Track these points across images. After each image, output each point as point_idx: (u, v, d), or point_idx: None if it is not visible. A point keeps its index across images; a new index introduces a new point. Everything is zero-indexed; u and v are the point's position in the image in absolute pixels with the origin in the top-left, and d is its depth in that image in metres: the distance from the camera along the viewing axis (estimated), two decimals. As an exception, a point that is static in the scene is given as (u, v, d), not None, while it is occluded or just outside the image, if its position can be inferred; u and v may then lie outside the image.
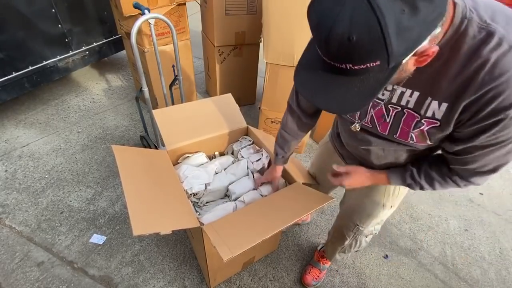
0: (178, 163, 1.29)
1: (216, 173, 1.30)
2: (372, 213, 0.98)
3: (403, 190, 0.93)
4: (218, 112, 1.38)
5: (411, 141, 0.66)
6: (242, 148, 1.36)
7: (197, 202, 1.21)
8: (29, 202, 1.72)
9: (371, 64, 0.42)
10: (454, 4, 0.49)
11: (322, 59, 0.46)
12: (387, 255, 1.63)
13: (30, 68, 2.08)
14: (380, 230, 1.71)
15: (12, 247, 1.51)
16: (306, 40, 0.60)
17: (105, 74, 2.92)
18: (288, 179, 1.22)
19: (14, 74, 2.01)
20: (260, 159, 1.30)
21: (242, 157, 1.34)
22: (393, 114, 0.65)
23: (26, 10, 1.93)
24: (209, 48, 2.28)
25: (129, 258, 1.51)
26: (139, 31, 1.84)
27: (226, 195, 1.29)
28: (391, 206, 0.96)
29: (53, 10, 2.08)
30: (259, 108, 1.96)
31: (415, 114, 0.61)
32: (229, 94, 1.45)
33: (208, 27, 2.17)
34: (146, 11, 1.37)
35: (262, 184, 1.21)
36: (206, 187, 1.21)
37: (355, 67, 0.43)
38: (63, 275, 1.42)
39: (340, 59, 0.43)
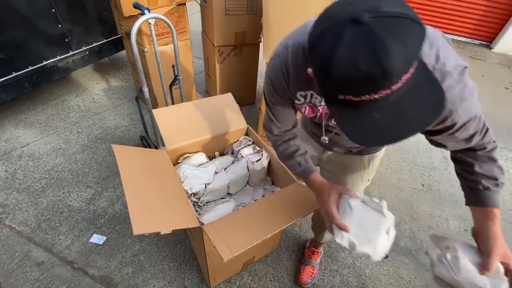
0: (178, 163, 1.30)
1: (216, 173, 1.30)
2: (353, 188, 1.04)
3: (376, 162, 1.01)
4: (218, 112, 1.38)
5: None
6: (242, 148, 1.36)
7: (197, 202, 1.21)
8: (29, 202, 1.72)
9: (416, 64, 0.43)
10: None
11: (365, 105, 0.46)
12: (387, 255, 1.63)
13: (30, 68, 2.08)
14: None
15: (12, 247, 1.51)
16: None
17: (105, 74, 2.92)
18: (288, 179, 1.22)
19: (14, 74, 2.01)
20: (260, 159, 1.30)
21: (242, 157, 1.34)
22: None
23: (26, 10, 1.93)
24: (209, 48, 2.28)
25: (129, 258, 1.50)
26: (139, 31, 1.84)
27: (227, 193, 1.29)
28: (368, 180, 1.06)
29: (53, 10, 2.08)
30: (259, 108, 1.96)
31: None
32: (229, 94, 1.45)
33: (208, 27, 2.17)
34: (146, 11, 1.37)
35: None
36: (206, 187, 1.21)
37: (408, 76, 0.43)
38: (63, 275, 1.42)
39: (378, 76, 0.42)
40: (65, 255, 1.49)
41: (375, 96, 0.44)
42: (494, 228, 0.66)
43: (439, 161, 2.29)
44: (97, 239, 1.57)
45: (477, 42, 4.44)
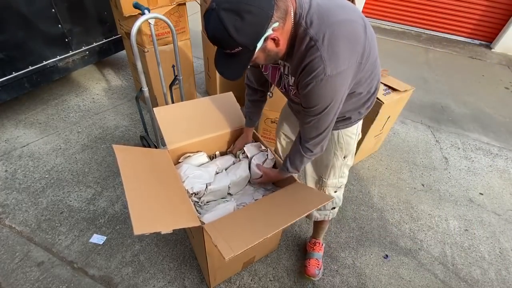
0: (179, 162, 1.29)
1: (217, 173, 1.30)
2: (329, 163, 1.15)
3: (348, 139, 1.10)
4: (219, 111, 1.38)
5: (295, 99, 1.00)
6: (245, 145, 1.36)
7: (198, 202, 1.21)
8: (29, 202, 1.72)
9: (237, 49, 0.71)
10: (291, 12, 0.75)
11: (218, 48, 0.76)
12: (387, 255, 1.63)
13: (30, 68, 2.08)
14: (380, 230, 1.73)
15: (12, 247, 1.51)
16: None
17: (105, 74, 2.92)
18: (288, 179, 1.22)
19: (14, 74, 2.01)
20: (265, 160, 1.30)
21: (244, 153, 1.34)
22: (285, 84, 0.98)
23: (26, 10, 1.93)
24: (209, 48, 2.28)
25: (129, 258, 1.50)
26: (139, 31, 1.84)
27: (228, 193, 1.29)
28: (344, 157, 1.14)
29: (53, 10, 2.08)
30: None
31: (287, 85, 0.97)
32: (230, 93, 1.45)
33: (208, 27, 2.16)
34: (146, 11, 1.37)
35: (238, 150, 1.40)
36: (207, 187, 1.21)
37: (231, 51, 0.72)
38: (63, 275, 1.42)
39: (221, 47, 0.74)
40: (65, 255, 1.49)
41: (229, 51, 0.72)
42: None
43: (439, 161, 2.29)
44: (97, 239, 1.57)
45: (477, 42, 4.44)
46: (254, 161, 1.30)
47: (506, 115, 2.93)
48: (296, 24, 0.75)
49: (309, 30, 0.73)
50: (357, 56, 0.77)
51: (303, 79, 0.80)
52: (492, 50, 4.28)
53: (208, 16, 0.68)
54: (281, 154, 1.39)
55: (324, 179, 1.19)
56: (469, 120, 2.79)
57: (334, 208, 1.31)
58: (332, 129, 1.05)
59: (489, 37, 4.35)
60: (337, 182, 1.20)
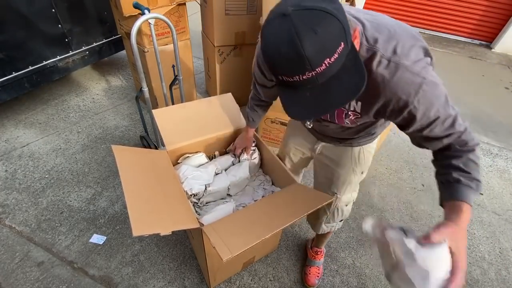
0: (178, 163, 1.29)
1: (216, 174, 1.30)
2: (346, 180, 1.08)
3: (368, 155, 1.03)
4: (218, 112, 1.38)
5: (347, 124, 0.86)
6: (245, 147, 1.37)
7: (197, 203, 1.21)
8: (29, 202, 1.72)
9: (340, 50, 0.51)
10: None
11: (300, 85, 0.55)
12: (387, 255, 1.62)
13: (30, 68, 2.08)
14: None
15: (12, 247, 1.51)
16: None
17: (105, 74, 2.92)
18: (288, 179, 1.22)
19: (14, 74, 2.01)
20: (255, 157, 1.32)
21: (244, 154, 1.34)
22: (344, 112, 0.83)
23: (26, 10, 1.93)
24: (209, 48, 2.28)
25: (129, 258, 1.51)
26: (139, 31, 1.84)
27: (227, 194, 1.29)
28: (361, 172, 1.07)
29: (53, 10, 2.08)
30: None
31: (343, 109, 0.80)
32: (229, 94, 1.45)
33: (208, 27, 2.17)
34: (146, 11, 1.37)
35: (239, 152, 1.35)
36: (206, 188, 1.21)
37: (331, 60, 0.51)
38: (63, 275, 1.42)
39: (313, 58, 0.50)
40: (65, 255, 1.49)
41: (303, 77, 0.52)
42: (460, 218, 0.61)
43: (439, 161, 2.28)
44: (97, 239, 1.57)
45: (477, 42, 4.44)
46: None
47: (506, 115, 2.92)
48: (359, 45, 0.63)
49: (376, 47, 0.62)
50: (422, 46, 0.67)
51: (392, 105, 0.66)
52: (492, 50, 4.28)
53: (284, 23, 0.50)
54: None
55: (338, 195, 1.13)
56: (469, 120, 2.76)
57: (341, 220, 1.26)
58: (353, 146, 1.02)
59: (489, 37, 4.34)
60: (350, 197, 1.16)
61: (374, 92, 0.67)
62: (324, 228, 1.30)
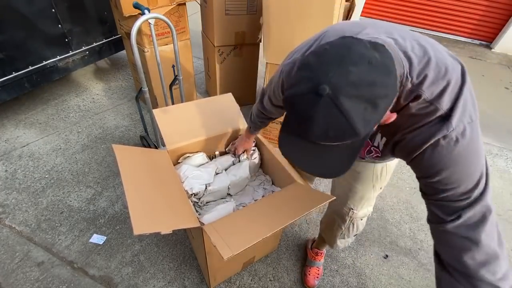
0: (179, 162, 1.29)
1: (217, 174, 1.30)
2: (364, 196, 1.04)
3: (390, 170, 0.99)
4: (219, 112, 1.38)
5: (366, 159, 0.86)
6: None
7: (197, 202, 1.21)
8: (29, 202, 1.72)
9: (346, 141, 0.51)
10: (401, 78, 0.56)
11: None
12: (387, 255, 1.63)
13: (30, 68, 2.08)
14: (380, 230, 1.73)
15: (12, 247, 1.51)
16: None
17: (105, 74, 2.92)
18: (288, 179, 1.22)
19: (14, 74, 2.01)
20: (255, 157, 1.32)
21: (243, 153, 1.35)
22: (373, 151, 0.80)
23: (26, 10, 1.93)
24: (209, 48, 2.28)
25: (129, 258, 1.50)
26: (139, 31, 1.84)
27: (228, 194, 1.29)
28: (380, 188, 1.04)
29: (53, 10, 2.08)
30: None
31: (369, 142, 0.77)
32: (230, 94, 1.45)
33: (208, 27, 2.17)
34: (146, 11, 1.37)
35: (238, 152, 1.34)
36: (206, 188, 1.21)
37: (333, 143, 0.52)
38: (63, 275, 1.42)
39: (321, 141, 0.52)
40: (65, 255, 1.49)
41: (330, 144, 0.53)
42: None
43: (439, 161, 2.28)
44: (97, 239, 1.57)
45: (477, 42, 4.44)
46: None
47: (506, 115, 2.92)
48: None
49: (421, 90, 0.56)
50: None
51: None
52: (492, 50, 4.28)
53: (313, 104, 0.47)
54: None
55: (354, 211, 1.09)
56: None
57: (356, 235, 1.22)
58: (377, 162, 0.94)
59: (489, 37, 4.34)
60: (366, 212, 1.12)
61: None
62: (339, 244, 1.26)
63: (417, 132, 0.59)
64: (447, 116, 0.55)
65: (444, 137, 0.55)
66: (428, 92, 0.56)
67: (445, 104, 0.56)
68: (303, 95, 0.48)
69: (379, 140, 0.72)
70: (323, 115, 0.47)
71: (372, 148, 0.76)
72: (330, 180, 1.21)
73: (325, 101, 0.46)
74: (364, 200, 1.06)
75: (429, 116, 0.57)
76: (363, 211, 1.09)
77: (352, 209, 1.08)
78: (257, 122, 1.14)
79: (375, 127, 0.52)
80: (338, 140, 0.51)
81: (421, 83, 0.56)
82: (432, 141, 0.57)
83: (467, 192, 0.58)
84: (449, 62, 0.58)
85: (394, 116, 0.57)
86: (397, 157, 0.73)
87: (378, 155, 0.76)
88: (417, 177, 0.66)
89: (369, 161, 0.94)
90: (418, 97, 0.57)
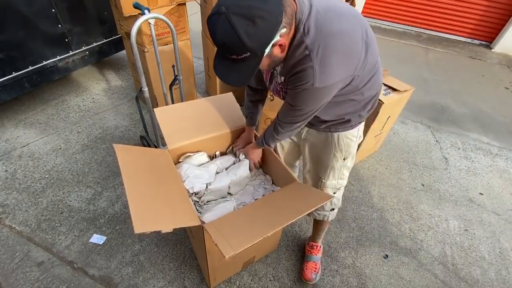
0: (180, 162, 1.29)
1: (217, 173, 1.30)
2: (328, 164, 1.15)
3: (348, 141, 1.09)
4: (219, 111, 1.38)
5: (284, 97, 1.00)
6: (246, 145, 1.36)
7: (198, 201, 1.21)
8: (29, 202, 1.72)
9: (245, 55, 0.70)
10: (295, 17, 0.74)
11: (222, 53, 0.75)
12: (387, 255, 1.62)
13: (30, 68, 2.08)
14: (380, 230, 1.73)
15: (12, 247, 1.51)
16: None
17: (105, 74, 2.92)
18: (288, 178, 1.22)
19: (14, 74, 2.01)
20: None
21: (243, 155, 1.34)
22: (275, 82, 0.99)
23: (26, 10, 1.93)
24: (209, 48, 2.28)
25: (129, 258, 1.50)
26: (139, 31, 1.84)
27: (228, 193, 1.29)
28: (344, 159, 1.13)
29: (53, 10, 2.08)
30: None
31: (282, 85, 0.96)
32: (230, 93, 1.45)
33: (208, 27, 2.16)
34: (146, 11, 1.37)
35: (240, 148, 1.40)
36: (207, 187, 1.21)
37: (238, 57, 0.71)
38: (63, 275, 1.41)
39: (228, 53, 0.72)
40: (65, 255, 1.49)
41: (235, 57, 0.71)
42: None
43: (439, 161, 2.29)
44: (97, 239, 1.57)
45: (477, 42, 4.45)
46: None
47: (506, 115, 2.93)
48: (295, 29, 0.75)
49: (306, 38, 0.74)
50: (350, 69, 0.79)
51: (291, 83, 0.83)
52: (492, 50, 4.28)
53: (215, 21, 0.66)
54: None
55: (323, 180, 1.20)
56: (469, 120, 2.80)
57: (333, 209, 1.31)
58: (332, 131, 1.08)
59: (489, 37, 4.35)
60: (336, 184, 1.21)
61: (289, 70, 0.83)
62: (316, 214, 1.34)
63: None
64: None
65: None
66: (309, 40, 0.74)
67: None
68: (212, 15, 0.67)
69: (281, 80, 0.92)
70: (220, 27, 0.65)
71: (279, 87, 0.96)
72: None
73: (221, 18, 0.64)
74: (329, 169, 1.16)
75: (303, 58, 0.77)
76: (330, 181, 1.19)
77: (320, 177, 1.20)
78: (249, 106, 1.27)
79: (265, 49, 0.71)
80: (235, 51, 0.69)
81: (306, 34, 0.74)
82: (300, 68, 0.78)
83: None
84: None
85: (281, 54, 0.78)
86: (287, 88, 0.90)
87: (284, 90, 0.95)
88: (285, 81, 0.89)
89: (326, 131, 1.08)
90: (301, 43, 0.75)
